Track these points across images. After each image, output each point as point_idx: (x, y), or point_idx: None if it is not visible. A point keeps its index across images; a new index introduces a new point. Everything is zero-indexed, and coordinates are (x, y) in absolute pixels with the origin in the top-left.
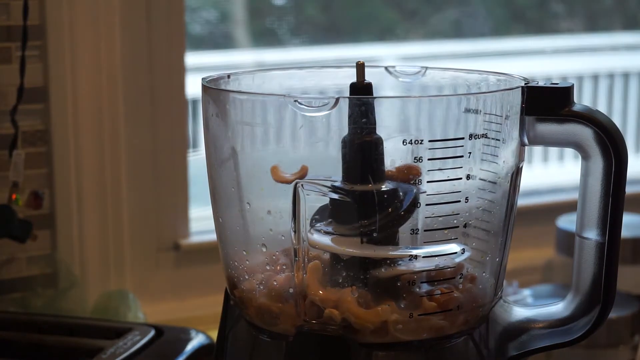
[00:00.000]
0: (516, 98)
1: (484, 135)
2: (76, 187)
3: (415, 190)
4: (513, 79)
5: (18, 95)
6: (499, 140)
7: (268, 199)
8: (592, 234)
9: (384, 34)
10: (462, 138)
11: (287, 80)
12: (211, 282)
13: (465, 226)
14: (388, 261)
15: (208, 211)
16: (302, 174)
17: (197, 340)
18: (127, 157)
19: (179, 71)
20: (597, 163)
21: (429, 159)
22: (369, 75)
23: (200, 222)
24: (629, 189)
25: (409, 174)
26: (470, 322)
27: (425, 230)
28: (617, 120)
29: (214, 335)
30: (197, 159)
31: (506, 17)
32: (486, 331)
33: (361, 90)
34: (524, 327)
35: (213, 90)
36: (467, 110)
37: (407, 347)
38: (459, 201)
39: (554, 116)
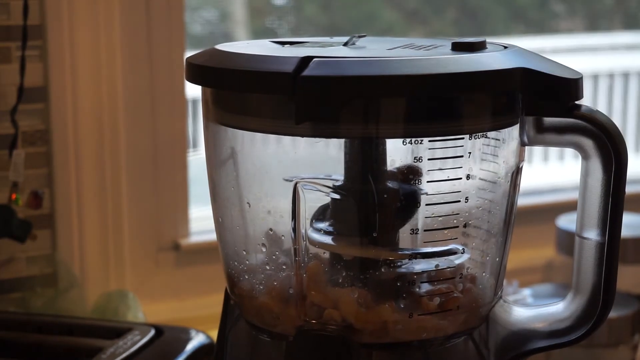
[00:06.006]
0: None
1: (484, 135)
2: (76, 187)
3: (415, 190)
4: None
5: (18, 95)
6: (499, 140)
7: (268, 198)
8: (592, 234)
9: (384, 34)
10: (462, 138)
11: None
12: (211, 282)
13: (465, 226)
14: (388, 261)
15: (208, 211)
16: None
17: (197, 340)
18: (127, 157)
19: (179, 71)
20: (597, 163)
21: (429, 159)
22: None
23: (200, 222)
24: (629, 189)
25: (409, 174)
26: (470, 322)
27: (425, 230)
28: (616, 119)
29: (214, 335)
30: (197, 159)
31: (506, 17)
32: (486, 331)
33: None
34: (524, 327)
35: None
36: None
37: (407, 347)
38: (459, 201)
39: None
